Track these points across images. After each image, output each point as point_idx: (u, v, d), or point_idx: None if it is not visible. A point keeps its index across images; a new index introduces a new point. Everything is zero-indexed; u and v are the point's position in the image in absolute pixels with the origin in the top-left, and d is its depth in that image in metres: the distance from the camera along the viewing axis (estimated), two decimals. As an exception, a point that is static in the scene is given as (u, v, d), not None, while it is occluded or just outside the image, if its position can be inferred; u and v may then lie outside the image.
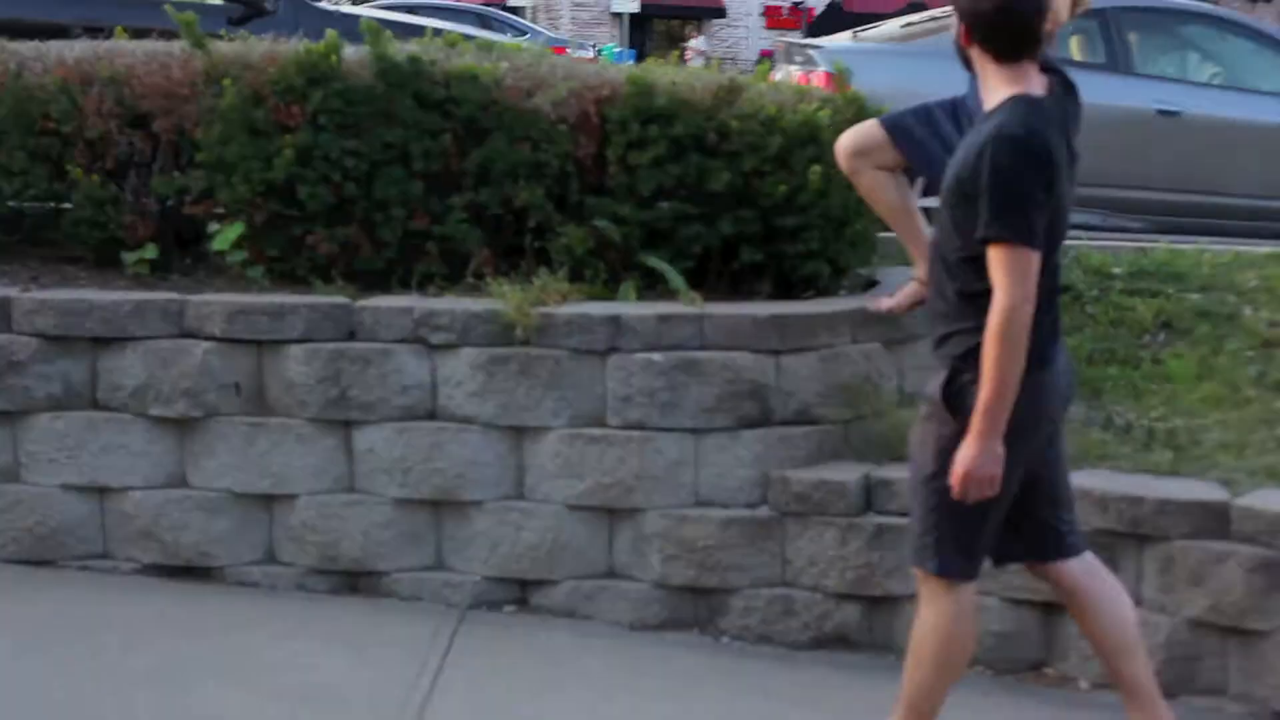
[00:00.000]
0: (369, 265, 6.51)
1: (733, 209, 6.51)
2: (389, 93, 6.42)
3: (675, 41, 50.30)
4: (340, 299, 6.21)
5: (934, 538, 4.38)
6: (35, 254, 6.85)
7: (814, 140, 6.44)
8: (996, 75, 4.15)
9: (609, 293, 6.40)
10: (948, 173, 4.24)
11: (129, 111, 6.55)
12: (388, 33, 6.57)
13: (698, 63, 38.71)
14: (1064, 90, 4.29)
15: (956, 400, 4.23)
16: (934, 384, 4.32)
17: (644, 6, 42.25)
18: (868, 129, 5.69)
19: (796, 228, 6.50)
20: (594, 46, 35.94)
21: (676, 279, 6.42)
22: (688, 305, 6.21)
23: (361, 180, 6.44)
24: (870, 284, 6.95)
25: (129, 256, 6.54)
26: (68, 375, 6.18)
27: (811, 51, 10.20)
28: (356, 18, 8.41)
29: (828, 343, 6.21)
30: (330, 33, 6.53)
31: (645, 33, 51.21)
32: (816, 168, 6.37)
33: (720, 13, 51.94)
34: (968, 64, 4.28)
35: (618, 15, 44.10)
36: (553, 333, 6.05)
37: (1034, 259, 4.00)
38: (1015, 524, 4.48)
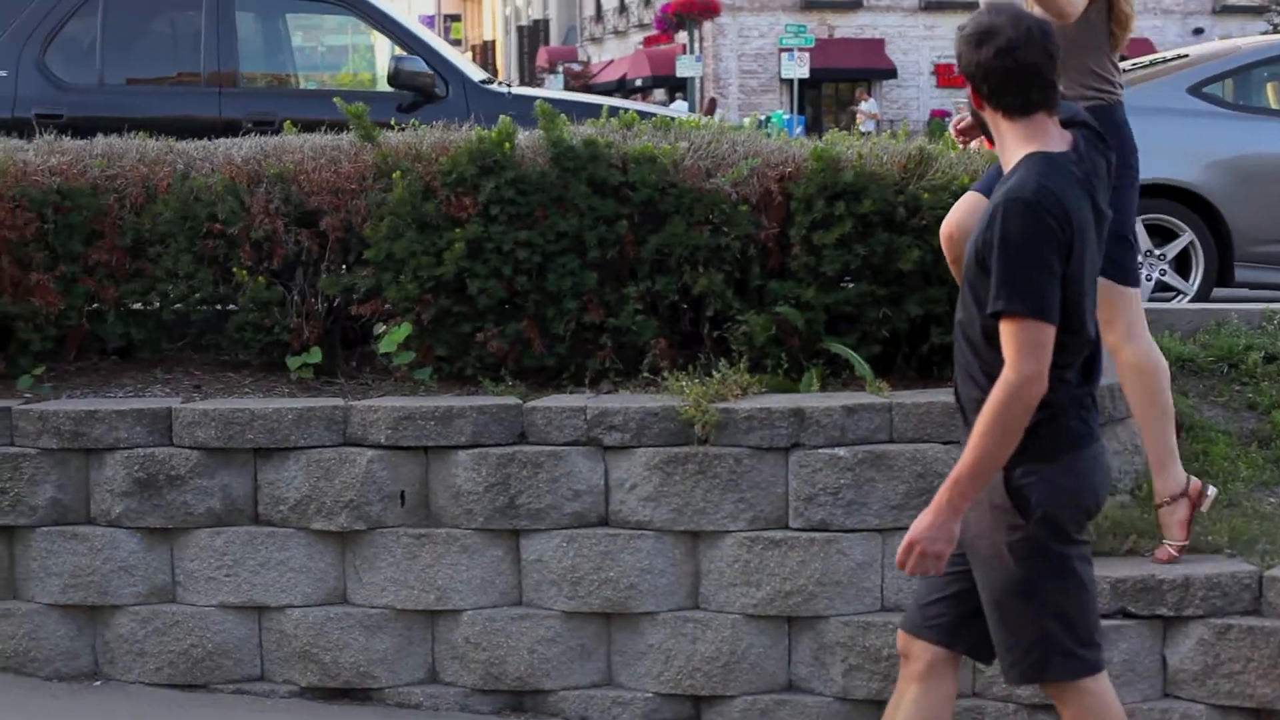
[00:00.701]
0: (540, 362, 6.29)
1: (922, 288, 6.19)
2: (563, 179, 6.21)
3: (844, 104, 50.11)
4: (510, 400, 5.99)
5: (1047, 645, 3.96)
6: (199, 360, 6.74)
7: (1009, 212, 6.07)
8: (1011, 133, 3.85)
9: (791, 383, 6.11)
10: (968, 246, 3.90)
11: (297, 209, 6.41)
12: (562, 116, 6.34)
13: (868, 126, 38.50)
14: (1092, 144, 3.96)
15: (1021, 497, 3.87)
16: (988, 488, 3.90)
17: (813, 71, 42.02)
18: (973, 203, 5.06)
19: (990, 306, 6.12)
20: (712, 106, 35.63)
21: (862, 366, 6.13)
22: (874, 394, 5.92)
23: (533, 272, 6.23)
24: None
25: (293, 361, 6.37)
26: (228, 489, 6.02)
27: None
28: (531, 99, 8.28)
29: (1023, 429, 5.83)
30: (503, 119, 6.34)
31: (813, 97, 51.08)
32: (1011, 242, 6.00)
33: (891, 73, 51.62)
34: (987, 132, 3.99)
35: (787, 81, 43.95)
36: (733, 429, 5.76)
37: (1048, 332, 3.69)
38: (977, 614, 4.07)
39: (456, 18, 78.58)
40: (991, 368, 3.80)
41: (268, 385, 6.39)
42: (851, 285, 6.25)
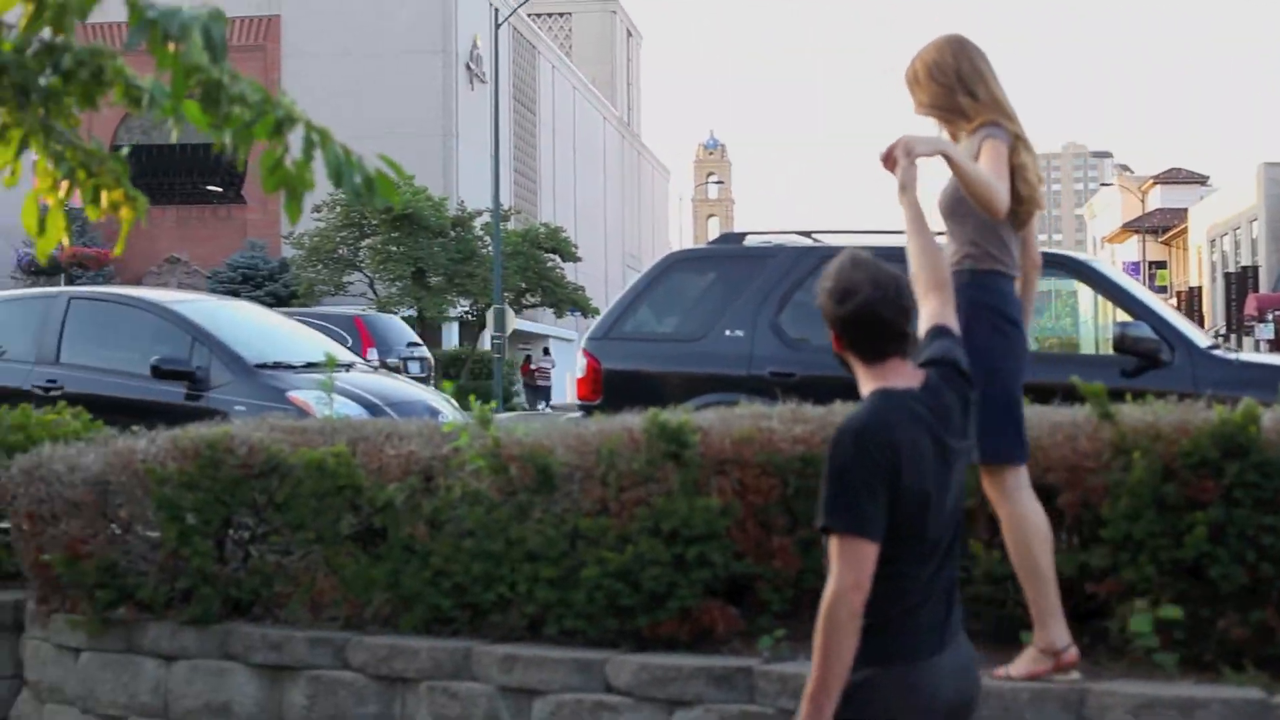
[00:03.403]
0: (1281, 652, 5.99)
1: None
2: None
3: None
4: (1253, 691, 5.71)
5: None
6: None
7: None
8: (864, 374, 4.10)
9: None
10: None
11: (1034, 484, 6.37)
12: None
13: None
14: (948, 380, 4.11)
15: (853, 696, 3.85)
16: None
17: None
18: None
19: None
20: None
21: None
22: None
23: (1279, 559, 5.97)
24: None
25: (1026, 635, 6.31)
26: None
27: None
28: (1259, 366, 7.96)
29: None
30: (1247, 401, 6.18)
31: None
32: None
33: None
34: (848, 367, 4.17)
35: None
36: None
37: (866, 548, 3.83)
38: None
39: (1162, 264, 77.46)
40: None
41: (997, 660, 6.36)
42: None
